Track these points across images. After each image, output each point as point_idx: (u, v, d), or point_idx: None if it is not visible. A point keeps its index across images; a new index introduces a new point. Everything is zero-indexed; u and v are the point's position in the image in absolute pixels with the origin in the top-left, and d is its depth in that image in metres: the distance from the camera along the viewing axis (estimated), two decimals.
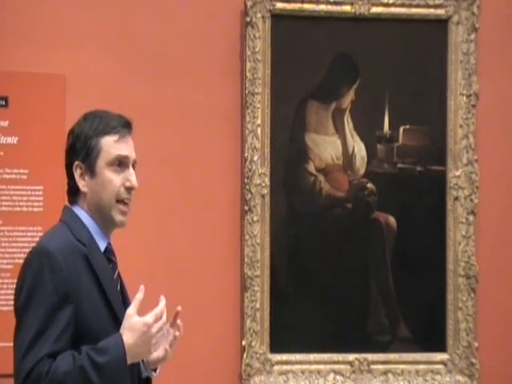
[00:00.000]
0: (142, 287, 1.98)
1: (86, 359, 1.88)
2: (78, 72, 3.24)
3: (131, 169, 2.06)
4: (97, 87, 3.21)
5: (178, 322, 2.16)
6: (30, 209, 3.18)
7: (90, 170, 2.03)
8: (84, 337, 1.93)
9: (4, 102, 3.20)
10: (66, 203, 2.10)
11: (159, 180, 3.32)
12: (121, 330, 1.95)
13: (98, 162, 2.02)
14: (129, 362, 1.92)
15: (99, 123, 2.04)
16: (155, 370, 2.17)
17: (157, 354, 2.10)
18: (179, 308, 2.14)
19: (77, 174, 2.03)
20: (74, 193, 2.07)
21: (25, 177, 3.19)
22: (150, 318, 1.95)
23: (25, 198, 3.19)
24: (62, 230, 2.03)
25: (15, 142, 3.21)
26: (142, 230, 3.28)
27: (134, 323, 1.93)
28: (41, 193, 3.18)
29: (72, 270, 1.93)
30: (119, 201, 2.04)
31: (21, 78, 3.20)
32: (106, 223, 2.06)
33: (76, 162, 2.03)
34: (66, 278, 1.92)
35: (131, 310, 1.95)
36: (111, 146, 2.03)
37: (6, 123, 3.20)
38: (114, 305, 2.01)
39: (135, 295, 2.00)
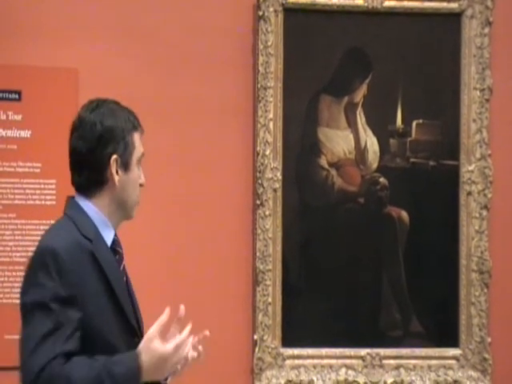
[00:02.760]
0: (167, 310, 1.89)
1: (102, 368, 1.84)
2: (91, 66, 3.24)
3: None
4: (109, 81, 3.21)
5: (200, 348, 2.09)
6: (43, 202, 3.19)
7: (126, 165, 2.02)
8: (89, 338, 1.90)
9: (17, 96, 3.21)
10: (69, 194, 2.07)
11: (171, 174, 3.32)
12: (139, 349, 1.87)
13: (132, 158, 2.03)
14: (142, 379, 1.87)
15: (127, 118, 2.04)
16: (166, 379, 2.11)
17: None
18: (207, 333, 2.07)
19: (113, 167, 2.00)
20: (96, 184, 2.02)
21: (38, 170, 3.21)
22: (171, 346, 1.87)
23: (38, 192, 3.21)
24: (67, 225, 1.99)
25: (28, 135, 3.22)
26: (153, 225, 3.29)
27: (153, 349, 1.86)
28: (53, 186, 3.19)
29: (77, 269, 1.90)
30: None
31: (34, 72, 3.22)
32: (121, 217, 2.06)
33: (114, 156, 2.00)
34: (72, 280, 1.89)
35: (152, 333, 1.86)
36: (138, 143, 2.06)
37: (19, 117, 3.22)
38: (123, 303, 1.98)
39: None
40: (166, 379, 2.12)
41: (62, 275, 1.88)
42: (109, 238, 2.04)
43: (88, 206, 2.02)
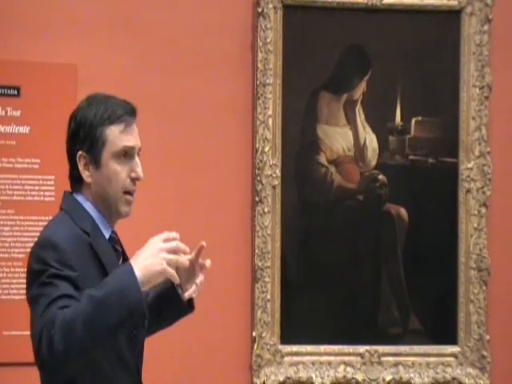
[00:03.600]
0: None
1: (93, 290, 1.78)
2: (90, 62, 3.24)
3: (137, 158, 2.00)
4: (108, 77, 3.21)
5: (207, 263, 2.07)
6: (42, 198, 3.19)
7: (95, 161, 1.96)
8: None
9: (16, 92, 3.20)
10: (66, 189, 2.05)
11: (170, 171, 3.32)
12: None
13: (103, 154, 1.95)
14: (142, 278, 1.79)
15: (104, 111, 1.96)
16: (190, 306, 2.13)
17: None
18: (203, 243, 2.04)
19: (80, 164, 1.96)
20: (77, 181, 2.00)
21: (36, 166, 3.20)
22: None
23: (36, 188, 3.20)
24: (64, 219, 1.96)
25: (27, 131, 3.22)
26: (152, 222, 3.28)
27: (139, 251, 1.84)
28: (52, 182, 3.18)
29: (78, 261, 1.88)
30: (126, 192, 1.99)
31: (33, 68, 3.21)
32: (112, 214, 2.01)
33: (80, 152, 1.96)
34: (74, 267, 1.87)
35: None
36: (117, 136, 1.96)
37: (18, 113, 3.21)
38: None
39: None
40: (191, 307, 2.11)
41: (63, 263, 1.86)
42: (106, 234, 2.01)
43: (84, 201, 1.99)
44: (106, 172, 1.96)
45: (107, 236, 2.02)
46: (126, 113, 1.98)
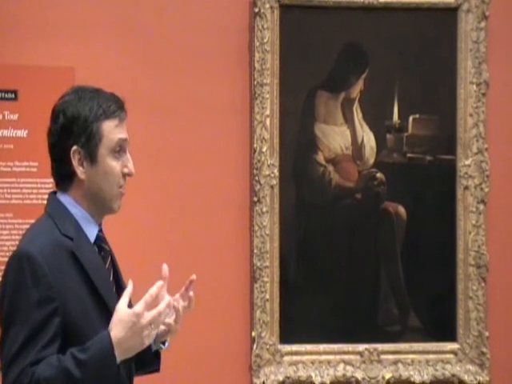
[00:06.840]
0: (130, 281, 1.89)
1: (69, 359, 1.79)
2: (87, 65, 3.24)
3: (128, 154, 1.98)
4: (106, 79, 3.17)
5: (191, 293, 2.07)
6: (40, 201, 3.18)
7: (91, 157, 1.92)
8: (73, 338, 1.85)
9: (13, 96, 3.21)
10: (51, 190, 2.02)
11: (168, 171, 3.32)
12: (109, 326, 1.83)
13: (99, 149, 1.93)
14: (121, 357, 1.82)
15: (98, 106, 1.93)
16: (164, 343, 2.10)
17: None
18: (194, 277, 2.04)
19: (74, 159, 1.92)
20: (65, 178, 1.96)
21: (35, 170, 3.21)
22: (139, 306, 1.83)
23: (35, 191, 3.20)
24: (46, 225, 1.93)
25: (25, 135, 3.22)
26: (151, 222, 3.30)
27: (122, 315, 1.82)
28: (50, 185, 3.16)
29: (56, 272, 1.84)
30: (119, 187, 1.97)
31: (30, 72, 3.21)
32: (102, 211, 1.98)
33: (74, 147, 1.92)
34: (49, 283, 1.83)
35: (121, 304, 1.85)
36: (112, 131, 1.94)
37: (15, 116, 3.22)
38: (108, 300, 1.92)
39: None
40: (164, 343, 2.10)
41: (39, 280, 1.83)
42: (92, 234, 1.97)
43: (68, 200, 1.96)
44: (102, 168, 1.94)
45: (94, 234, 1.98)
46: (119, 108, 1.97)
